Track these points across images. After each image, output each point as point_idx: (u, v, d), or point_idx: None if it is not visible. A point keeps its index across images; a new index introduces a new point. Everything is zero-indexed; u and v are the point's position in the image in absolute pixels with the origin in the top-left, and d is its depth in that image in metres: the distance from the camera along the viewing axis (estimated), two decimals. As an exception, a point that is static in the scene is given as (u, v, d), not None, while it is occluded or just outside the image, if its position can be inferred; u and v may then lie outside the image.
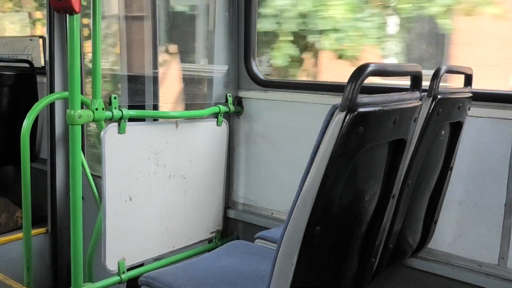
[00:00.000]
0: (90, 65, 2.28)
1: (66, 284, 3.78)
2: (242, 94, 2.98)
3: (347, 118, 1.30)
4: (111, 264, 2.38)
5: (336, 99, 2.58)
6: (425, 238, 2.20)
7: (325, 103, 2.63)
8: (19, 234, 3.45)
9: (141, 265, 2.62)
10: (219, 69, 2.93)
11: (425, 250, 2.29)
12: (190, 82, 3.26)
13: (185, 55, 3.33)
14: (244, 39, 2.94)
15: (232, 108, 2.93)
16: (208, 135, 2.81)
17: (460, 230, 2.26)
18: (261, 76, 2.93)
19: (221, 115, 2.85)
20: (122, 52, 3.06)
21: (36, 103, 2.95)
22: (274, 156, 2.87)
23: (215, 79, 2.92)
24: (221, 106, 2.86)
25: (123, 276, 2.43)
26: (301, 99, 2.74)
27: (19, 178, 2.91)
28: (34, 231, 3.04)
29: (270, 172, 2.89)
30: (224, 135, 2.89)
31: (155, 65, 3.15)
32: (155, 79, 3.15)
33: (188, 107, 3.17)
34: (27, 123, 2.84)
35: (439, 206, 2.18)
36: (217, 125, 2.84)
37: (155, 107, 3.17)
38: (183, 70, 3.31)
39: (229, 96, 2.93)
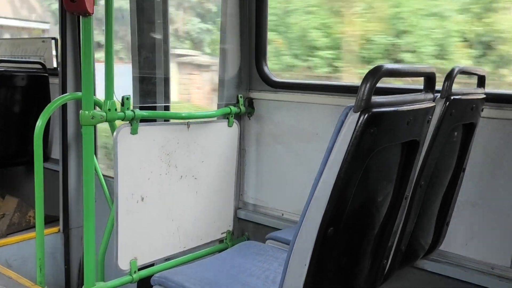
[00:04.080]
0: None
1: (78, 283, 3.80)
2: (253, 95, 2.99)
3: (361, 118, 1.30)
4: (123, 264, 2.39)
5: (347, 100, 2.59)
6: (437, 240, 2.19)
7: (336, 104, 2.63)
8: (32, 234, 3.48)
9: (152, 265, 2.64)
10: (230, 70, 2.93)
11: (437, 252, 2.28)
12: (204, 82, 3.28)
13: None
14: (255, 40, 2.95)
15: (243, 109, 2.94)
16: (219, 135, 2.81)
17: (472, 232, 2.25)
18: (272, 77, 2.93)
19: (232, 116, 2.86)
20: (134, 53, 3.08)
21: (49, 104, 2.97)
22: (285, 157, 2.87)
23: (226, 80, 2.92)
24: (232, 107, 2.87)
25: (134, 275, 2.44)
26: (312, 100, 2.74)
27: (32, 178, 2.93)
28: (46, 231, 3.05)
29: (280, 173, 2.90)
30: (235, 135, 2.90)
31: (166, 67, 3.17)
32: (166, 80, 3.16)
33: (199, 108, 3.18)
34: (40, 124, 2.86)
35: (452, 207, 2.17)
36: (228, 126, 2.85)
37: (167, 108, 3.19)
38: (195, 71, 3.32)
39: (240, 97, 2.93)
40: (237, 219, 3.05)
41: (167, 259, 2.69)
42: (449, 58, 2.71)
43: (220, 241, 2.96)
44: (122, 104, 2.32)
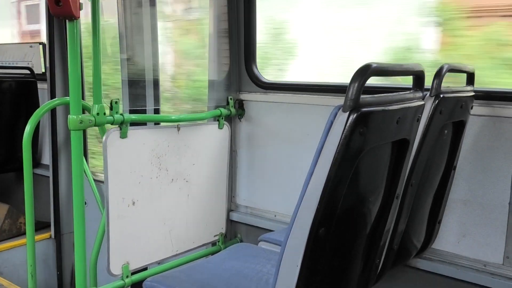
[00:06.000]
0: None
1: (70, 289, 3.78)
2: (243, 96, 2.98)
3: (350, 118, 1.29)
4: (115, 269, 2.37)
5: (337, 100, 2.58)
6: (429, 238, 2.19)
7: (326, 104, 2.63)
8: (23, 240, 3.46)
9: (145, 269, 2.62)
10: (220, 72, 2.92)
11: (430, 250, 2.28)
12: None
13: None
14: (244, 42, 2.94)
15: (233, 111, 2.92)
16: (210, 138, 2.80)
17: (464, 230, 2.25)
18: (262, 79, 2.93)
19: (222, 118, 2.85)
20: (122, 56, 3.06)
21: (37, 109, 2.95)
22: (276, 158, 2.86)
23: (216, 82, 2.91)
24: (222, 109, 2.86)
25: (127, 280, 2.42)
26: (302, 101, 2.74)
27: (22, 184, 2.91)
28: (37, 237, 3.04)
29: (272, 174, 2.89)
30: (226, 137, 2.89)
31: (155, 69, 3.15)
32: (155, 83, 3.15)
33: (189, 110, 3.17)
34: (28, 129, 2.84)
35: (443, 206, 2.17)
36: (218, 128, 2.84)
37: (157, 111, 3.17)
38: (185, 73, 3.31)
39: (230, 99, 2.92)
40: (229, 222, 3.04)
41: (160, 263, 2.67)
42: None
43: (213, 243, 2.94)
44: (111, 108, 2.30)
